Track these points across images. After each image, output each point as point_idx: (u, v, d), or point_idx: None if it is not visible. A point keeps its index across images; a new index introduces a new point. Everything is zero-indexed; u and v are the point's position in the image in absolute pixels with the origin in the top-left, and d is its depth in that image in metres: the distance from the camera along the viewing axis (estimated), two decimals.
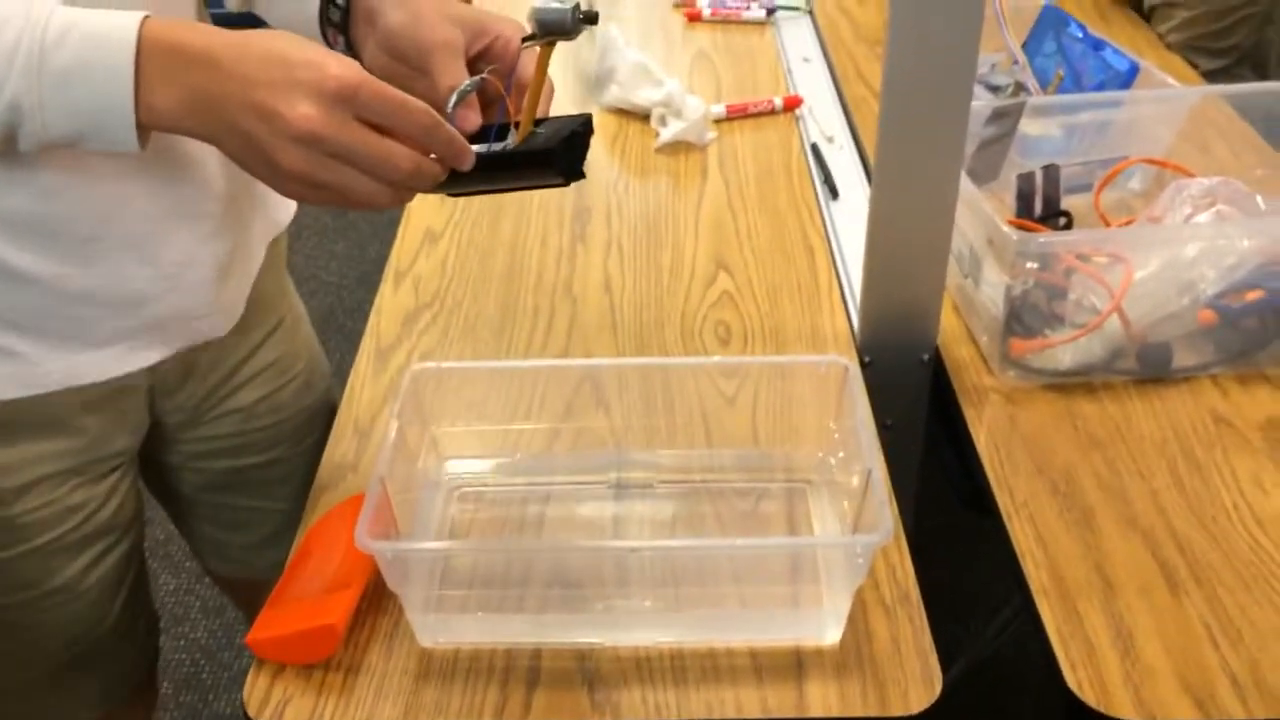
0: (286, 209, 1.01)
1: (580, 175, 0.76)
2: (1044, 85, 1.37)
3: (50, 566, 0.89)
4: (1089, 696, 0.74)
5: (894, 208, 0.97)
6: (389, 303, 1.15)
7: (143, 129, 0.66)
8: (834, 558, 0.78)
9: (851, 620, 0.78)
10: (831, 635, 0.77)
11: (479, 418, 0.91)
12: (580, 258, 1.20)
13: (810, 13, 1.82)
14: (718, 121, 1.46)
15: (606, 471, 0.91)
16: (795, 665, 0.76)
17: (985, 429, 0.97)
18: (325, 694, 0.76)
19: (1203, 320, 0.98)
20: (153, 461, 1.00)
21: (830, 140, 1.43)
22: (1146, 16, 1.79)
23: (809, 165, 1.37)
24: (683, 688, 0.75)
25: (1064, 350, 0.99)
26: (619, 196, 1.32)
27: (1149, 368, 1.00)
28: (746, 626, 0.78)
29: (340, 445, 0.97)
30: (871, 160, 1.05)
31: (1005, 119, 1.15)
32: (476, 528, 0.88)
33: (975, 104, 0.95)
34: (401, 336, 1.10)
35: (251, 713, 0.75)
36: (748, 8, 1.78)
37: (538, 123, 0.79)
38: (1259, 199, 1.03)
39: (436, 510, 0.88)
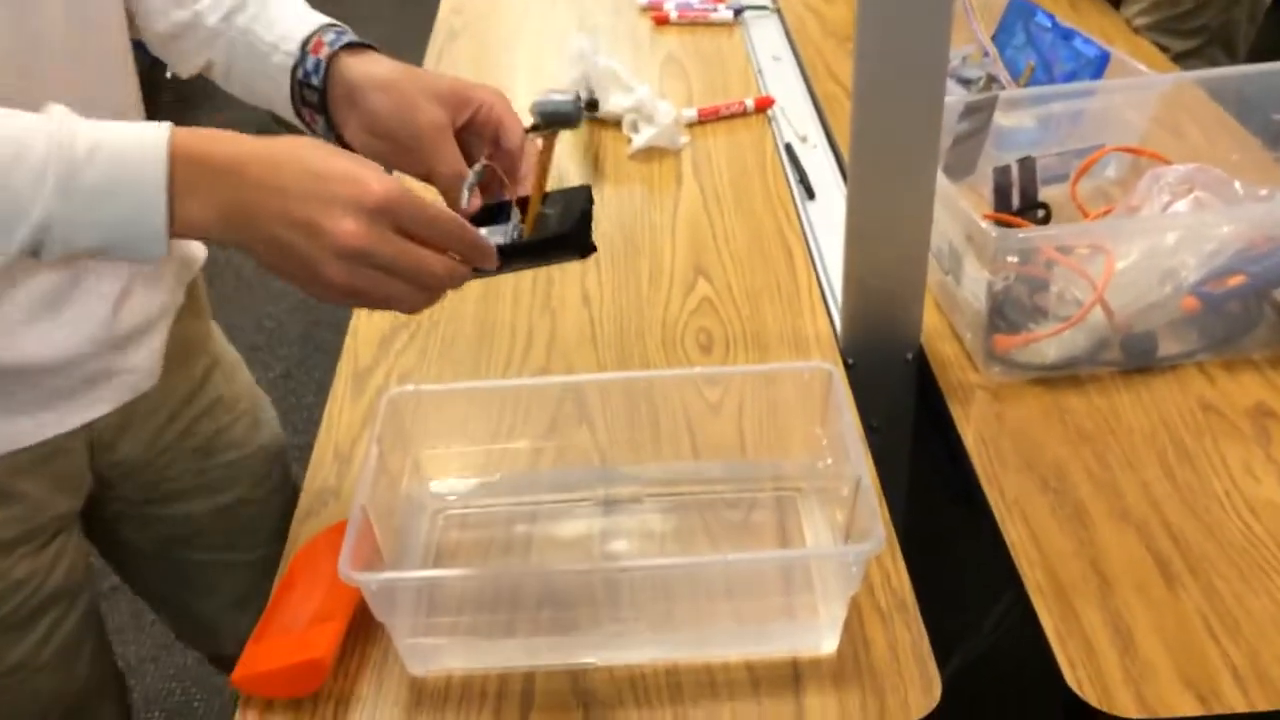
0: (199, 247, 0.98)
1: (593, 248, 0.78)
2: (1015, 76, 1.37)
3: (3, 644, 0.87)
4: (1090, 695, 0.73)
5: (871, 208, 0.96)
6: (364, 325, 1.13)
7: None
8: (827, 568, 0.77)
9: (848, 628, 0.77)
10: (828, 645, 0.77)
11: (461, 439, 0.89)
12: (557, 271, 1.19)
13: (778, 11, 1.82)
14: (690, 125, 1.45)
15: (593, 488, 0.89)
16: (793, 677, 0.75)
17: (973, 426, 0.96)
18: None
19: (1186, 308, 0.97)
20: (106, 528, 0.98)
21: (804, 140, 1.42)
22: (1115, 2, 1.79)
23: (783, 166, 1.36)
24: (679, 705, 0.74)
25: (1048, 344, 0.98)
26: (594, 206, 1.30)
27: (1134, 358, 0.99)
28: (742, 640, 0.77)
29: (321, 471, 0.95)
30: (846, 159, 1.03)
31: (979, 114, 1.14)
32: (463, 550, 0.87)
33: (948, 99, 0.94)
34: (379, 358, 1.08)
35: None
36: (715, 9, 1.77)
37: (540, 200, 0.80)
38: (1236, 184, 1.02)
39: (422, 534, 0.87)
